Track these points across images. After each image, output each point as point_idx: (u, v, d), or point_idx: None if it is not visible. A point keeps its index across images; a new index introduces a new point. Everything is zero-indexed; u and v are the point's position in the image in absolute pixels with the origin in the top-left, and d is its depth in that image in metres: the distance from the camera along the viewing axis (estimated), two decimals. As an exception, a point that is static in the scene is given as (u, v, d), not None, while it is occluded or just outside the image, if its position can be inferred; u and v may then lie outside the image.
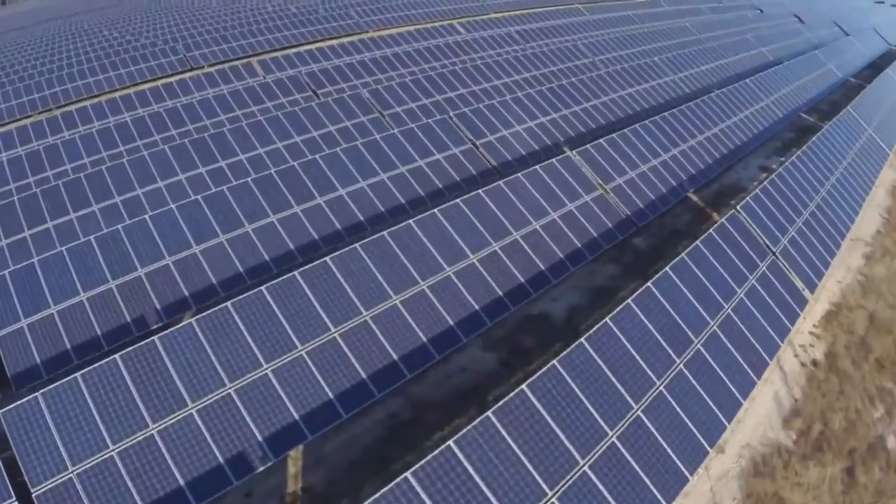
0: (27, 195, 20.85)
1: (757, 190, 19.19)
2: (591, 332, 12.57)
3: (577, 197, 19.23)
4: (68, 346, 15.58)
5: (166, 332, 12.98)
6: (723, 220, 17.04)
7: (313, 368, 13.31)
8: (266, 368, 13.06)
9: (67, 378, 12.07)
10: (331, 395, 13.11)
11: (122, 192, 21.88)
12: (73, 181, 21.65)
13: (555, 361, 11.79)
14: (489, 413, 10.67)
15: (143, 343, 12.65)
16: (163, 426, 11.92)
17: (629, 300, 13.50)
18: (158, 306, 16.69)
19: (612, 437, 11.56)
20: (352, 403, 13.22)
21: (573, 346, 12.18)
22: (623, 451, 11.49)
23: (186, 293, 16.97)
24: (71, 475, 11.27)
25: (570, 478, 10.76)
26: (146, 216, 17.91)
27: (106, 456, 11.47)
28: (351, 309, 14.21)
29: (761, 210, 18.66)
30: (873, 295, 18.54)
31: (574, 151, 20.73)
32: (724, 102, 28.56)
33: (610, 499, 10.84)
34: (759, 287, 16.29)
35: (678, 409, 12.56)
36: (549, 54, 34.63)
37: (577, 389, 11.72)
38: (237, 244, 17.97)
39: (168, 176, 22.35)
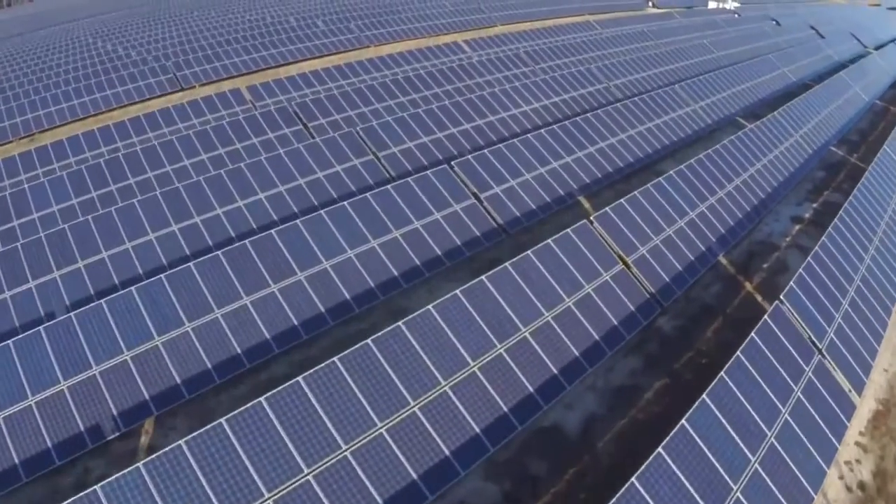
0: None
1: (801, 270, 16.53)
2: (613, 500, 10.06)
3: (597, 275, 16.67)
4: (16, 460, 13.24)
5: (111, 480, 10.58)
6: (766, 317, 14.43)
7: None
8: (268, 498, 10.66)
9: None
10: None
11: (87, 254, 19.41)
12: (34, 243, 19.26)
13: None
14: None
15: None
16: None
17: (660, 449, 10.99)
18: (115, 412, 14.31)
19: None
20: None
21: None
22: None
23: (147, 395, 14.57)
24: None
25: None
26: (103, 302, 15.47)
27: None
28: (329, 444, 11.74)
29: (805, 295, 16.04)
30: (934, 392, 15.94)
31: (593, 217, 18.12)
32: (752, 142, 25.81)
33: None
34: (804, 400, 13.70)
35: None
36: (559, 80, 31.93)
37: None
38: (204, 333, 15.54)
39: (137, 235, 19.88)
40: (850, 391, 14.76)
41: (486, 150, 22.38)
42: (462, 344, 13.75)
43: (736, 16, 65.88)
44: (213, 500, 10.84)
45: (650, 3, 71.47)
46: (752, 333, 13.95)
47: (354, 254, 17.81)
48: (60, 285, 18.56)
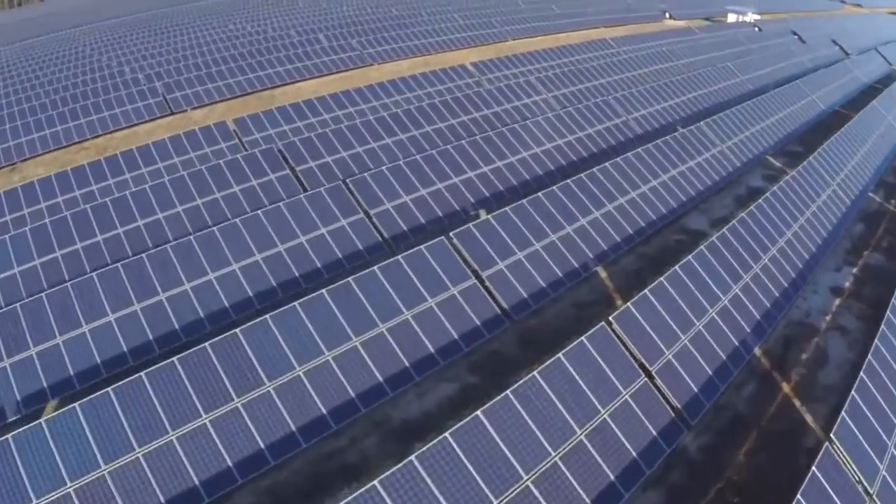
0: None
1: (853, 393, 13.79)
2: None
3: (615, 395, 14.04)
4: None
5: None
6: (813, 468, 11.77)
7: None
8: None
9: None
10: None
11: (39, 339, 17.09)
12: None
13: None
14: None
15: None
16: None
17: None
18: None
19: None
20: None
21: None
22: None
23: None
24: None
25: None
26: (9, 437, 13.03)
27: None
28: None
29: (857, 426, 13.35)
30: None
31: (613, 318, 15.45)
32: (789, 198, 22.75)
33: None
34: None
35: None
36: (574, 115, 29.09)
37: None
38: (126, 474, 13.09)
39: (95, 317, 17.46)
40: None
41: (490, 217, 19.69)
42: (448, 499, 11.22)
43: (757, 29, 62.44)
44: None
45: (667, 15, 68.09)
46: (798, 495, 11.29)
47: (332, 356, 15.29)
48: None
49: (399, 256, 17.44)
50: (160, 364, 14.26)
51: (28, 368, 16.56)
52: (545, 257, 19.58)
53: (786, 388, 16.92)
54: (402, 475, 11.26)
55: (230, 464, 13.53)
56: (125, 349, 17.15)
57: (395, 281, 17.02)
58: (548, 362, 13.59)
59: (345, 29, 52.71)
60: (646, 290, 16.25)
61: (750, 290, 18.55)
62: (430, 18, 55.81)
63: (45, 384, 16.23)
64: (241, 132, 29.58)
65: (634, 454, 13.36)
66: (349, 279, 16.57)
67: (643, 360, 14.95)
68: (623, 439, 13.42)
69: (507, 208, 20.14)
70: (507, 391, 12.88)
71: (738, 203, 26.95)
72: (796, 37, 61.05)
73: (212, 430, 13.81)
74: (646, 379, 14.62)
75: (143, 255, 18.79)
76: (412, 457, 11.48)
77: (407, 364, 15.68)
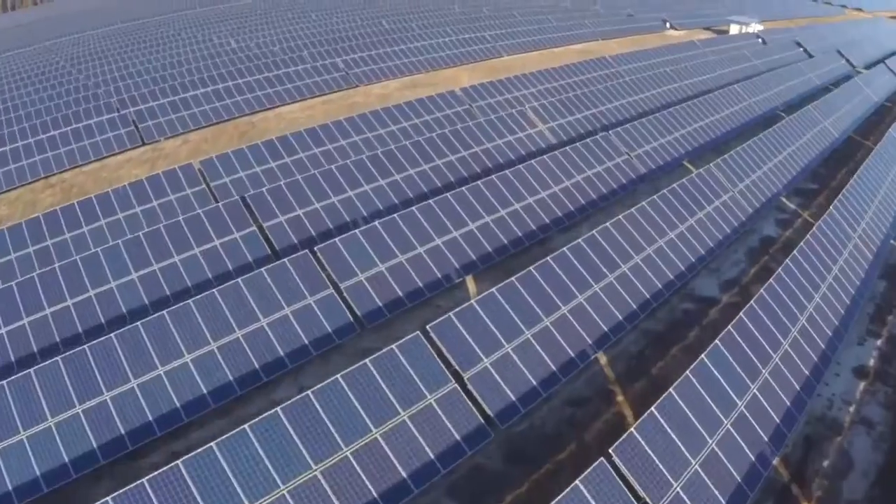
0: None
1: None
2: None
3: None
4: None
5: None
6: None
7: None
8: None
9: None
10: None
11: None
12: None
13: None
14: None
15: None
16: None
17: None
18: None
19: None
20: None
21: None
22: None
23: None
24: None
25: None
26: None
27: None
28: None
29: None
30: None
31: (613, 453, 13.00)
32: (811, 263, 20.16)
33: None
34: None
35: None
36: (571, 155, 26.49)
37: None
38: None
39: (34, 421, 15.02)
40: None
41: (474, 303, 17.17)
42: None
43: (759, 40, 59.80)
44: None
45: (668, 25, 65.33)
46: None
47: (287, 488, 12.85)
48: None
49: (367, 360, 14.94)
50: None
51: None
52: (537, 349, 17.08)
53: (812, 510, 14.52)
54: None
55: None
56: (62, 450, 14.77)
57: (361, 390, 14.55)
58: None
59: (332, 45, 49.89)
60: (652, 409, 13.79)
61: (769, 387, 16.11)
62: (422, 32, 53.01)
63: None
64: (209, 175, 26.98)
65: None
66: (308, 393, 14.07)
67: (646, 499, 12.53)
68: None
69: (494, 290, 17.60)
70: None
71: (752, 259, 24.27)
72: (801, 48, 58.40)
73: None
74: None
75: (87, 346, 16.35)
76: None
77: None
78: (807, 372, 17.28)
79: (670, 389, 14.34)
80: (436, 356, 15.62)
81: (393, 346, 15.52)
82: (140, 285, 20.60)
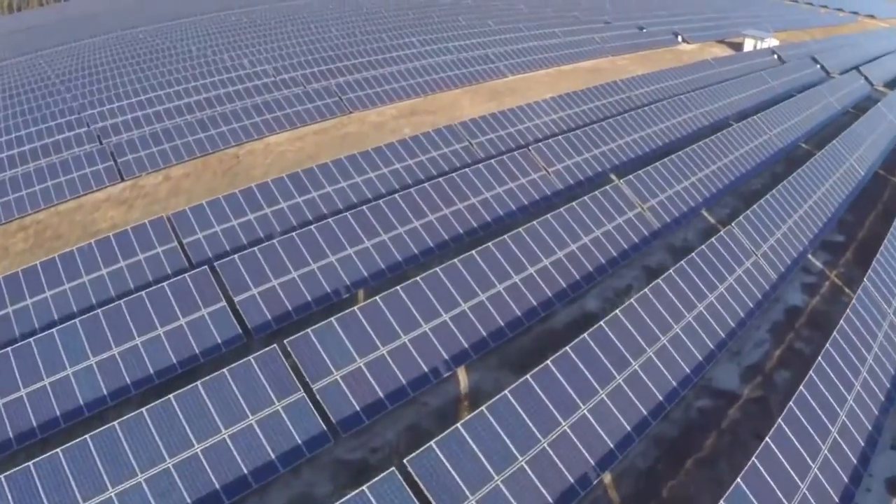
0: None
1: None
2: None
3: None
4: None
5: None
6: None
7: None
8: None
9: None
10: None
11: None
12: None
13: None
14: None
15: None
16: None
17: None
18: None
19: None
20: None
21: None
22: None
23: None
24: None
25: None
26: None
27: None
28: None
29: None
30: None
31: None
32: (845, 358, 17.56)
33: None
34: None
35: None
36: (578, 212, 23.63)
37: None
38: None
39: None
40: None
41: (460, 427, 14.65)
42: None
43: (775, 56, 56.50)
44: None
45: (679, 38, 62.01)
46: None
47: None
48: None
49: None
50: None
51: None
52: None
53: None
54: None
55: None
56: None
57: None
58: None
59: (327, 65, 47.03)
60: None
61: (819, 484, 13.46)
62: (423, 50, 50.12)
63: None
64: (181, 230, 24.36)
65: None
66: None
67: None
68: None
69: (484, 408, 14.93)
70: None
71: (776, 337, 21.24)
72: (818, 66, 55.11)
73: None
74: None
75: (31, 464, 13.98)
76: None
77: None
78: (836, 498, 14.66)
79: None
80: (413, 497, 13.06)
81: (364, 487, 13.00)
82: (98, 372, 18.24)
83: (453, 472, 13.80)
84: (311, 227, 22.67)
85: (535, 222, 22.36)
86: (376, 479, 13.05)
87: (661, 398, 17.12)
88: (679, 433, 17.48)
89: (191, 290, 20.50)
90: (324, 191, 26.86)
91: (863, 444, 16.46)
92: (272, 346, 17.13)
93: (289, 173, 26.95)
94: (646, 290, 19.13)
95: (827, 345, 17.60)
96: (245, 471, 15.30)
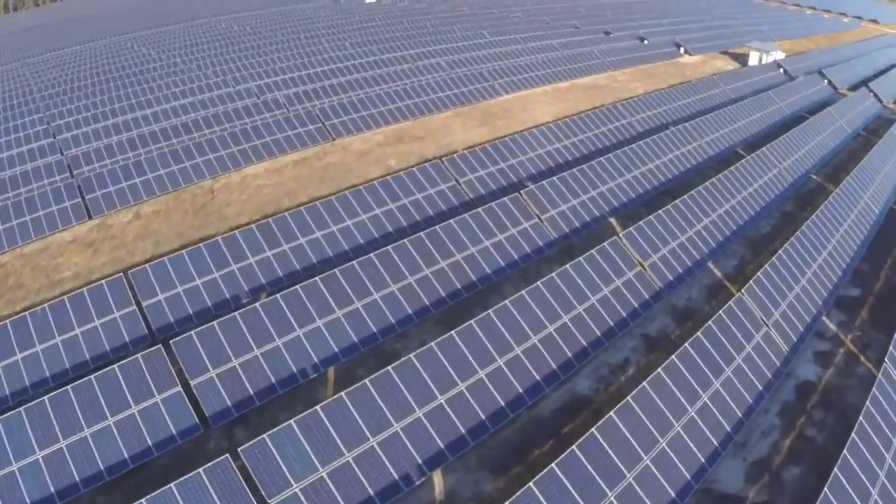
0: None
1: None
2: None
3: None
4: None
5: None
6: None
7: None
8: None
9: None
10: None
11: None
12: None
13: None
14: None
15: None
16: None
17: None
18: None
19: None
20: None
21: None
22: None
23: None
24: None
25: None
26: None
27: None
28: None
29: None
30: None
31: None
32: (870, 448, 15.43)
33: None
34: None
35: None
36: (572, 276, 21.42)
37: None
38: None
39: None
40: None
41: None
42: None
43: (781, 70, 53.82)
44: None
45: (682, 50, 59.22)
46: None
47: None
48: None
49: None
50: None
51: None
52: None
53: None
54: None
55: None
56: None
57: None
58: None
59: (314, 83, 44.57)
60: None
61: None
62: (414, 67, 47.50)
63: None
64: (141, 291, 22.07)
65: None
66: None
67: None
68: None
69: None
70: None
71: (787, 421, 18.71)
72: (826, 81, 52.48)
73: None
74: None
75: None
76: None
77: None
78: None
79: None
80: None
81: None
82: (45, 468, 16.15)
83: None
84: (278, 296, 20.42)
85: (523, 292, 20.00)
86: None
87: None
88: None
89: (143, 372, 18.32)
90: (296, 243, 24.53)
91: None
92: (224, 457, 14.93)
93: (259, 223, 24.59)
94: (644, 383, 16.80)
95: (844, 451, 15.38)
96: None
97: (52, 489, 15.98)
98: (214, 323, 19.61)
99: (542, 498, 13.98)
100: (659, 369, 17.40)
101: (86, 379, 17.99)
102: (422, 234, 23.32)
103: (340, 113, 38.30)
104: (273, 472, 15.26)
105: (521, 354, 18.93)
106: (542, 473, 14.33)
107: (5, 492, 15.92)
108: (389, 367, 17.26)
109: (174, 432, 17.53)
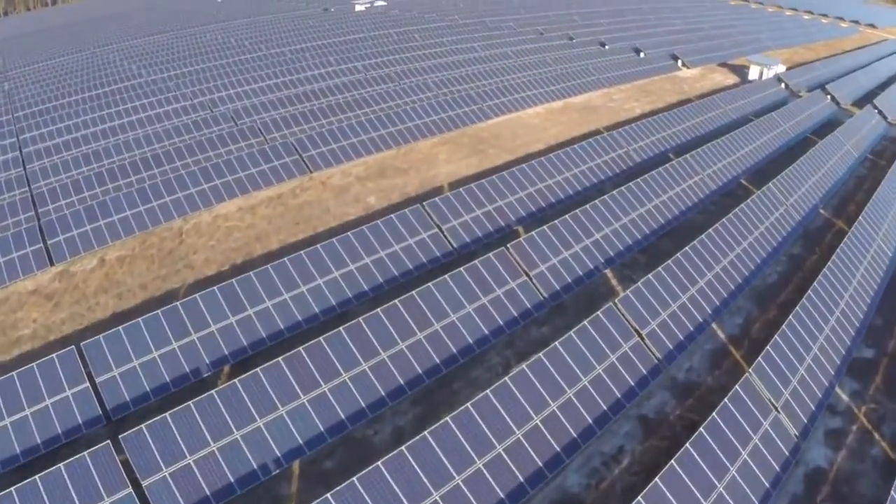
0: None
1: None
2: None
3: None
4: None
5: None
6: None
7: None
8: None
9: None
10: None
11: None
12: None
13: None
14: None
15: None
16: None
17: None
18: None
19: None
20: None
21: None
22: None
23: None
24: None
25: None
26: None
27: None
28: None
29: None
30: None
31: None
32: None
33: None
34: None
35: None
36: (562, 356, 19.42)
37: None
38: None
39: None
40: None
41: None
42: None
43: (783, 85, 51.61)
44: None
45: (679, 63, 56.94)
46: None
47: None
48: None
49: None
50: None
51: None
52: None
53: None
54: None
55: None
56: None
57: None
58: None
59: (294, 105, 42.31)
60: None
61: None
62: (399, 87, 45.19)
63: None
64: (94, 365, 19.98)
65: None
66: None
67: None
68: None
69: None
70: None
71: None
72: (829, 97, 50.30)
73: None
74: None
75: None
76: None
77: None
78: None
79: None
80: None
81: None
82: None
83: None
84: (236, 381, 18.29)
85: (506, 378, 17.87)
86: None
87: None
88: None
89: (91, 472, 16.25)
90: (262, 307, 22.38)
91: None
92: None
93: (221, 285, 22.43)
94: (639, 498, 14.85)
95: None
96: None
97: None
98: (167, 415, 17.53)
99: None
100: (656, 478, 15.34)
101: (30, 480, 15.96)
102: (397, 301, 21.15)
103: (319, 143, 36.06)
104: None
105: (502, 453, 16.85)
106: None
107: None
108: (354, 479, 15.18)
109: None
